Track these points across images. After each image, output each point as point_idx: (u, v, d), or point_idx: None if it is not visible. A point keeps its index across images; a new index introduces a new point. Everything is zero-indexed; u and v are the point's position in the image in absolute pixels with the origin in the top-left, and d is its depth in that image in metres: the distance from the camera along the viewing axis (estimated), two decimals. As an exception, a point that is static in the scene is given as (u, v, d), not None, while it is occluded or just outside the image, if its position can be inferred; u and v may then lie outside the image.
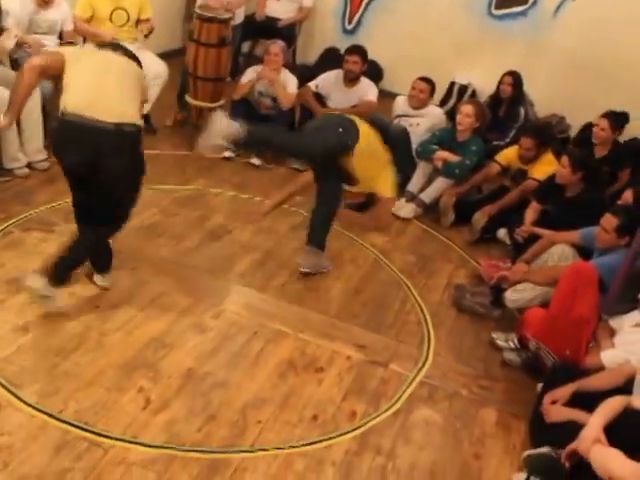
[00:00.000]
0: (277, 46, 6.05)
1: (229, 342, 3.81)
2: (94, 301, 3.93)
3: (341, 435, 3.32)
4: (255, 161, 5.95)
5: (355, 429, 3.37)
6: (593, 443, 2.79)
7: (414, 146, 5.62)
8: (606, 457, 2.73)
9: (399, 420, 3.48)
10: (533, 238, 4.64)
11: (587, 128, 6.06)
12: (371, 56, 7.02)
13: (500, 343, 4.09)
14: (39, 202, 4.78)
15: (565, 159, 4.76)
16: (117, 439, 3.08)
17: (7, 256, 4.15)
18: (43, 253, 4.19)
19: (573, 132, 6.89)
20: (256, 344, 3.82)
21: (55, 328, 3.68)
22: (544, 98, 6.98)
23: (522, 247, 4.69)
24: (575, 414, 3.19)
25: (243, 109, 5.89)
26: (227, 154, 5.93)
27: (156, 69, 6.03)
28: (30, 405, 3.18)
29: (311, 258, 4.47)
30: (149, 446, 3.08)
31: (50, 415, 3.14)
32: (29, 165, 5.21)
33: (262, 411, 3.38)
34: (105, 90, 3.57)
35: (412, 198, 5.52)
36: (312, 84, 6.01)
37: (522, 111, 6.48)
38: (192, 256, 4.52)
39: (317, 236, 4.48)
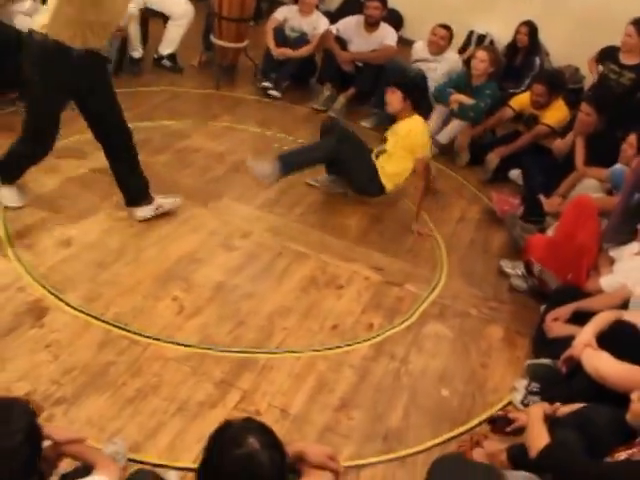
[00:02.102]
0: None
1: (255, 260, 4.10)
2: (129, 221, 4.22)
3: (359, 343, 3.63)
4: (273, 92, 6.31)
5: (372, 338, 3.67)
6: (585, 347, 3.06)
7: (431, 90, 5.83)
8: (596, 359, 2.98)
9: (412, 333, 3.77)
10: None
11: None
12: (392, 4, 7.23)
13: (508, 270, 4.36)
14: (71, 132, 5.02)
15: (585, 105, 4.96)
16: (155, 338, 3.39)
17: (47, 178, 4.42)
18: (81, 177, 4.50)
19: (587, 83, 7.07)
20: (280, 263, 4.11)
21: (95, 243, 3.98)
22: (560, 49, 7.15)
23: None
24: (574, 330, 3.42)
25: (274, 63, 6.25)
26: (266, 84, 6.32)
27: (182, 9, 6.26)
28: (74, 308, 3.49)
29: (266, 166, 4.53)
30: (184, 345, 3.39)
31: (93, 316, 3.45)
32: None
33: (287, 319, 3.68)
34: None
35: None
36: (333, 28, 6.22)
37: (537, 60, 6.69)
38: (218, 185, 4.79)
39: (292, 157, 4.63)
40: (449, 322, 3.92)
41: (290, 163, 4.51)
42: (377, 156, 4.71)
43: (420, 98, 4.70)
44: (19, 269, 3.65)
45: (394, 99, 4.55)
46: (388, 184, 4.73)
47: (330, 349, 3.54)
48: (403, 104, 4.54)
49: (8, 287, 3.51)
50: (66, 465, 2.17)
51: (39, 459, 1.81)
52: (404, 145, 4.59)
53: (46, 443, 1.95)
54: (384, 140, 4.72)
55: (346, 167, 4.67)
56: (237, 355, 3.39)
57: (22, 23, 5.00)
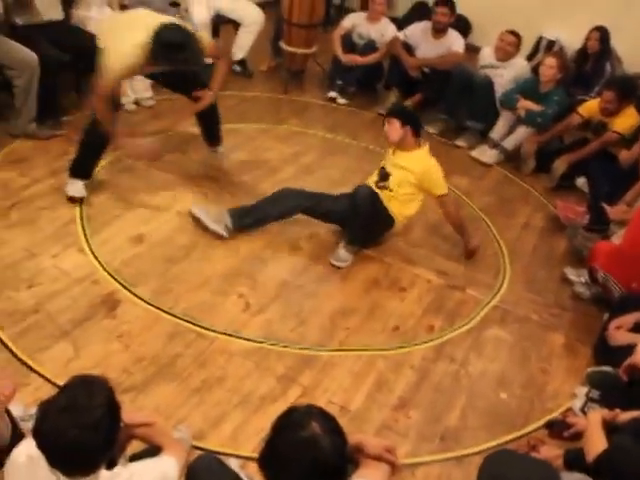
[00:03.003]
0: None
1: (320, 260, 4.20)
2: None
3: (419, 344, 3.69)
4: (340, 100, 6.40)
5: (432, 340, 3.73)
6: (647, 355, 3.05)
7: (497, 95, 5.84)
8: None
9: (472, 336, 3.82)
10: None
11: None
12: (461, 10, 7.23)
13: (572, 277, 4.36)
14: (147, 133, 5.21)
15: None
16: (221, 333, 3.52)
17: (121, 178, 4.60)
18: (151, 177, 4.67)
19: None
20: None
21: (166, 240, 4.13)
22: (633, 55, 7.05)
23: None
24: (637, 338, 3.43)
25: (341, 69, 6.33)
26: (333, 94, 6.42)
27: (253, 16, 6.38)
28: (145, 301, 3.64)
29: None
30: (248, 340, 3.51)
31: (163, 310, 3.60)
32: (136, 102, 5.66)
33: (349, 319, 3.77)
34: None
35: (495, 145, 5.77)
36: (401, 34, 6.28)
37: (608, 67, 6.60)
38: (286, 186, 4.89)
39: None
40: (510, 327, 3.94)
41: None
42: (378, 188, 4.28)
43: (419, 125, 4.40)
44: (94, 263, 3.83)
45: (392, 129, 4.15)
46: (397, 216, 4.30)
47: (391, 349, 3.61)
48: (402, 132, 4.13)
49: (84, 280, 3.69)
50: (134, 447, 2.29)
51: (118, 435, 1.92)
52: (419, 186, 4.20)
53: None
54: (383, 175, 4.26)
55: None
56: (300, 352, 3.49)
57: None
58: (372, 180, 4.30)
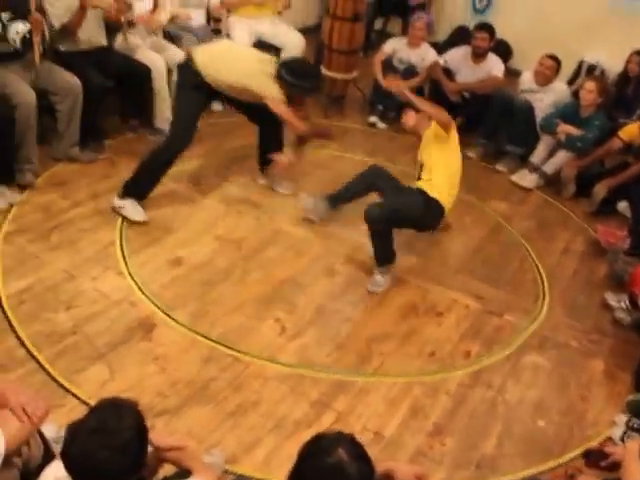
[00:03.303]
0: (422, 21, 6.38)
1: (356, 285, 4.19)
2: (238, 244, 4.40)
3: (456, 370, 3.65)
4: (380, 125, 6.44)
5: (469, 366, 3.69)
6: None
7: (538, 120, 5.81)
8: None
9: (510, 362, 3.77)
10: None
11: None
12: (501, 35, 7.22)
13: (612, 303, 4.29)
14: (188, 157, 5.27)
15: None
16: (256, 357, 3.53)
17: (162, 201, 4.66)
18: (194, 201, 4.73)
19: None
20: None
21: (204, 264, 4.17)
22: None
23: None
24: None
25: (381, 95, 6.34)
26: (373, 119, 6.47)
27: (293, 41, 6.46)
28: (182, 324, 3.67)
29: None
30: (284, 365, 3.51)
31: (199, 334, 3.62)
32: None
33: (385, 344, 3.75)
34: None
35: (535, 169, 5.72)
36: (441, 59, 6.29)
37: (650, 90, 6.54)
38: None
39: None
40: (548, 353, 3.89)
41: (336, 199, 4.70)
42: (418, 178, 4.34)
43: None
44: (132, 285, 3.88)
45: (409, 117, 4.48)
46: (442, 198, 4.22)
47: (427, 375, 3.59)
48: (417, 117, 4.43)
49: (121, 302, 3.74)
50: (166, 470, 2.30)
51: (145, 458, 1.93)
52: (438, 139, 4.23)
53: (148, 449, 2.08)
54: (419, 168, 4.38)
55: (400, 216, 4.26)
56: (334, 377, 3.48)
57: (147, 57, 5.34)
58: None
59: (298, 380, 3.43)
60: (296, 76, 4.40)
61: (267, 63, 4.48)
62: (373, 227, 4.11)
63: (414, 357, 3.69)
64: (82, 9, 4.85)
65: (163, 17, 5.65)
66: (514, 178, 5.76)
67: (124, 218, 4.41)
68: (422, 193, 4.20)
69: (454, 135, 4.25)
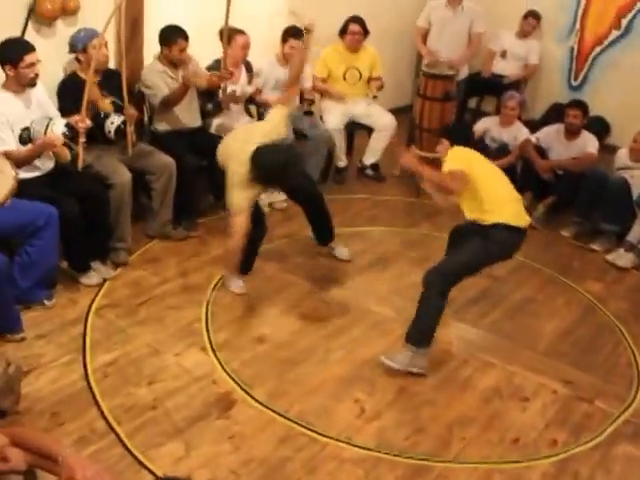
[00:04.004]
0: (514, 100, 6.39)
1: (440, 367, 4.10)
2: (321, 322, 4.41)
3: (540, 459, 3.50)
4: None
5: (554, 455, 3.53)
6: None
7: (634, 197, 5.64)
8: None
9: (599, 452, 3.58)
10: None
11: None
12: (598, 112, 7.16)
13: None
14: (277, 236, 5.38)
15: None
16: (333, 439, 3.48)
17: (247, 279, 4.71)
18: (281, 280, 4.78)
19: None
20: (465, 371, 4.09)
21: (287, 342, 4.19)
22: None
23: None
24: None
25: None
26: None
27: (385, 122, 6.56)
28: (260, 403, 3.67)
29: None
30: (360, 447, 3.44)
31: (277, 413, 3.61)
32: (270, 204, 5.86)
33: (467, 429, 3.63)
34: None
35: (631, 248, 5.52)
36: (533, 137, 6.23)
37: None
38: (412, 290, 4.86)
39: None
40: (643, 444, 3.68)
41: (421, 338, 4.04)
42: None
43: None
44: (215, 362, 3.93)
45: (442, 148, 4.37)
46: (493, 216, 4.01)
47: (509, 463, 3.45)
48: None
49: (202, 378, 3.79)
50: None
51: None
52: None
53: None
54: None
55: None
56: (412, 462, 3.39)
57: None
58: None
59: (375, 463, 3.35)
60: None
61: (251, 144, 4.24)
62: (427, 290, 3.97)
63: (496, 443, 3.56)
64: (184, 86, 5.07)
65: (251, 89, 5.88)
66: (610, 257, 5.57)
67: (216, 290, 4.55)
68: (478, 230, 4.04)
69: (472, 171, 4.06)
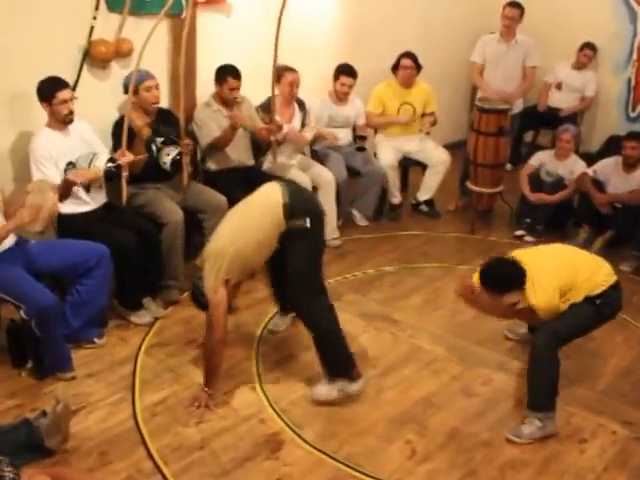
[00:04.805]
0: (569, 133, 6.30)
1: (496, 407, 3.99)
2: (374, 361, 4.35)
3: (600, 504, 3.36)
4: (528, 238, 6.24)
5: (614, 500, 3.39)
6: None
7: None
8: None
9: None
10: None
11: None
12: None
13: None
14: (330, 275, 5.34)
15: None
16: (383, 481, 3.40)
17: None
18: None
19: None
20: (521, 410, 3.94)
21: (337, 382, 4.12)
22: None
23: None
24: None
25: (529, 208, 6.28)
26: (520, 233, 6.31)
27: (439, 158, 6.52)
28: (309, 443, 3.62)
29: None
30: (411, 491, 3.36)
31: (326, 454, 3.55)
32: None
33: (521, 472, 3.51)
34: None
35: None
36: (590, 170, 6.10)
37: None
38: (465, 328, 4.79)
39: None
40: None
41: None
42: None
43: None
44: (264, 401, 3.90)
45: (514, 298, 3.89)
46: (596, 290, 3.84)
47: (565, 508, 3.32)
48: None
49: (251, 417, 3.76)
50: None
51: None
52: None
53: None
54: None
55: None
56: (464, 505, 3.29)
57: (295, 175, 5.58)
58: None
59: (426, 507, 3.27)
60: None
61: None
62: (537, 355, 3.80)
63: (552, 488, 3.44)
64: (232, 128, 5.13)
65: (309, 135, 5.86)
66: (670, 293, 5.40)
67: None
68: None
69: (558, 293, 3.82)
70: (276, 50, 4.98)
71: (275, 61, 5.07)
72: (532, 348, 3.87)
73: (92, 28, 4.86)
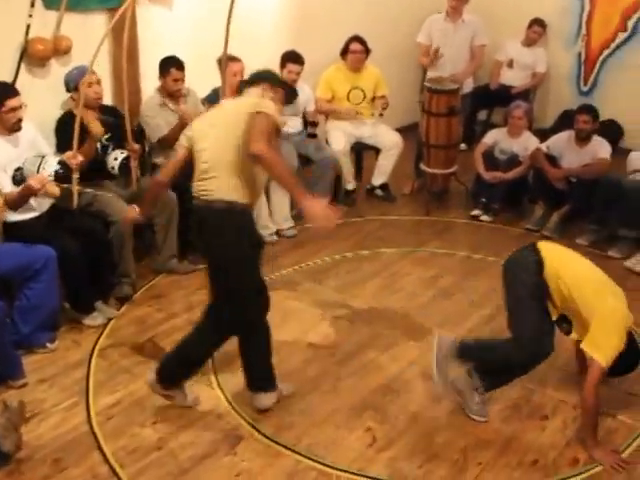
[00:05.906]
0: (521, 110, 6.28)
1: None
2: (330, 350, 4.30)
3: (562, 480, 3.34)
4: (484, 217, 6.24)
5: (576, 475, 3.37)
6: None
7: (652, 202, 5.49)
8: None
9: (625, 470, 3.41)
10: None
11: None
12: (610, 115, 7.05)
13: None
14: (285, 265, 5.29)
15: None
16: (344, 471, 3.36)
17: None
18: (286, 309, 4.67)
19: None
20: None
21: (295, 372, 4.08)
22: None
23: None
24: None
25: (484, 187, 6.26)
26: (476, 212, 6.30)
27: (392, 141, 6.47)
28: (268, 437, 3.56)
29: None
30: (373, 478, 3.32)
31: (285, 446, 3.50)
32: (277, 232, 5.77)
33: (483, 453, 3.49)
34: None
35: (652, 254, 5.38)
36: (544, 146, 6.10)
37: None
38: (423, 311, 4.76)
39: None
40: (670, 461, 3.51)
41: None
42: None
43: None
44: (220, 397, 3.84)
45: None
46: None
47: (529, 486, 3.30)
48: None
49: (208, 414, 3.71)
50: None
51: None
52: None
53: None
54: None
55: None
56: (426, 490, 3.26)
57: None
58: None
59: (387, 494, 3.23)
60: None
61: None
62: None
63: (514, 467, 3.40)
64: (181, 124, 5.01)
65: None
66: (628, 264, 5.40)
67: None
68: None
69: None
70: (227, 41, 4.83)
71: (225, 51, 4.94)
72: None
73: (29, 26, 4.75)
